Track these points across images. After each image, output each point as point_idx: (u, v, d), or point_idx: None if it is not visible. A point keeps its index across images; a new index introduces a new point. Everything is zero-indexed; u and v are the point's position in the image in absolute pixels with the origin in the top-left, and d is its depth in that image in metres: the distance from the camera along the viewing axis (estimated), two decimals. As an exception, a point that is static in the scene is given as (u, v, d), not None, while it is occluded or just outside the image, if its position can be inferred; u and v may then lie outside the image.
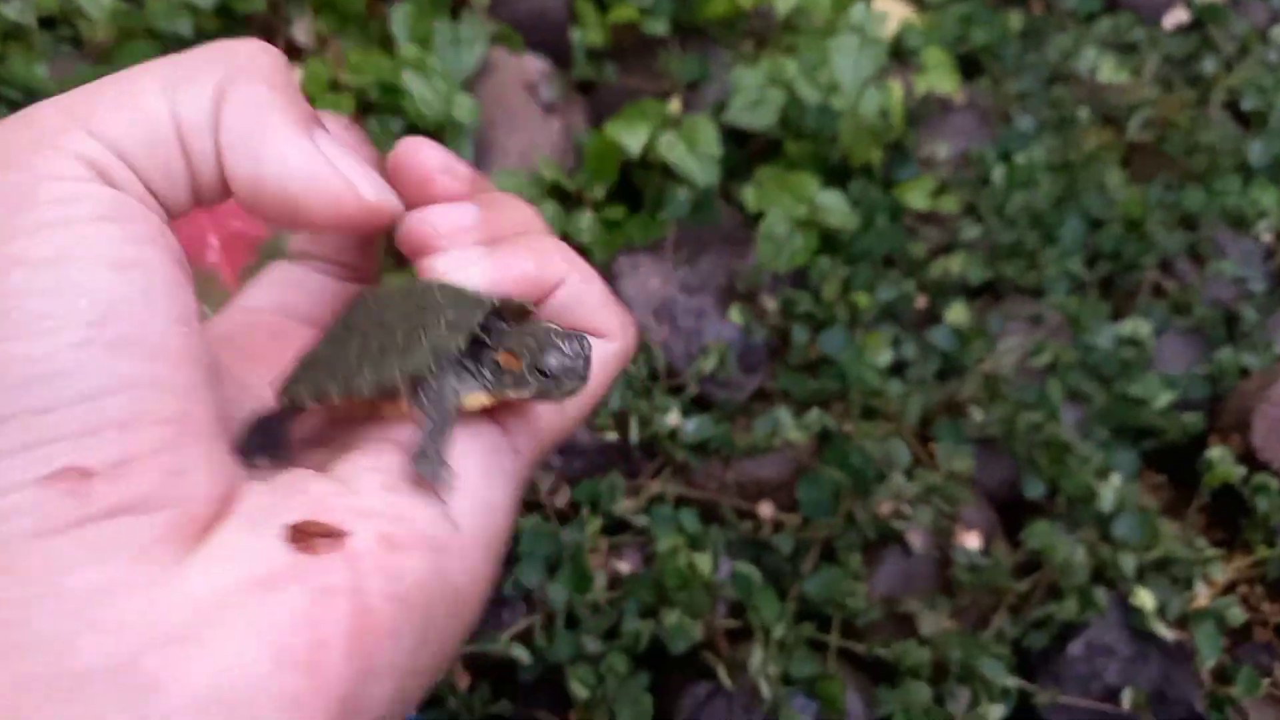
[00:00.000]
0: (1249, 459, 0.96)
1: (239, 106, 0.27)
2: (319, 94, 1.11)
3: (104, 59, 1.16)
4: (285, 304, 0.36)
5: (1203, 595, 0.92)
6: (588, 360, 0.29)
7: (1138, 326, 1.00)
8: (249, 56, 0.28)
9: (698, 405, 0.99)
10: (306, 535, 0.25)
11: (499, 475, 0.29)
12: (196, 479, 0.25)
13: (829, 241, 1.05)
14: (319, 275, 0.36)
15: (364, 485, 0.27)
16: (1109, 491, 0.88)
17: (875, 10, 1.14)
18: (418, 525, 0.26)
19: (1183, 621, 0.88)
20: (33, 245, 0.24)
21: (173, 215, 0.27)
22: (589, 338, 0.30)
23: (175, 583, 0.23)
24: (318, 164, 0.28)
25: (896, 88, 1.06)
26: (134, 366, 0.24)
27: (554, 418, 0.32)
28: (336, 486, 0.27)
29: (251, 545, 0.24)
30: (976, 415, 0.92)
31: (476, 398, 0.30)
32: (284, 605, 0.23)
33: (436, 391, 0.29)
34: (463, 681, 0.79)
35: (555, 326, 0.30)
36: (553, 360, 0.29)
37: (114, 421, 0.23)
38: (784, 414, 0.92)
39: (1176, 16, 1.41)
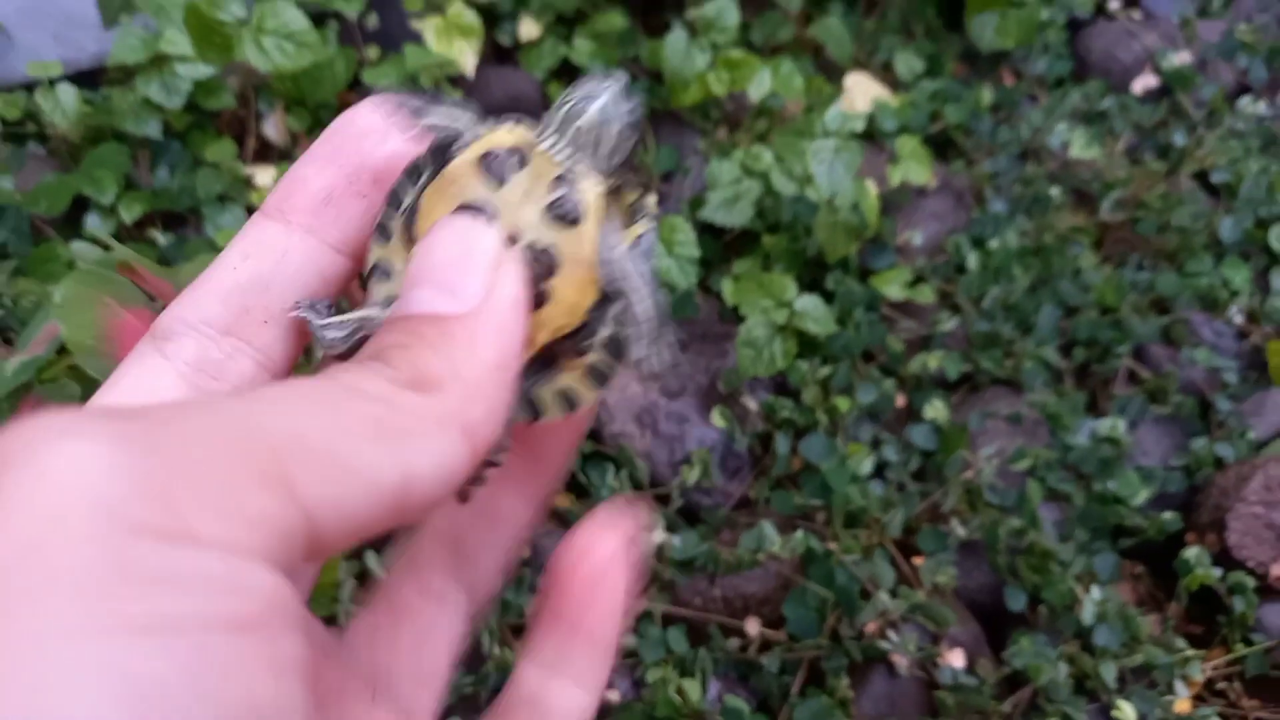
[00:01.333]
0: (1225, 557, 0.97)
1: None
2: (293, 199, 1.10)
3: (72, 161, 1.15)
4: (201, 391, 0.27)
5: (1182, 695, 0.93)
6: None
7: (1115, 425, 1.01)
8: None
9: (682, 515, 0.99)
10: None
11: None
12: None
13: (808, 339, 1.05)
14: (241, 360, 0.27)
15: None
16: (1090, 603, 0.89)
17: (848, 107, 1.14)
18: None
19: (1164, 727, 0.90)
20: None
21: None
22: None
23: None
24: None
25: (871, 188, 1.06)
26: None
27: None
28: None
29: None
30: (959, 530, 0.93)
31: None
32: None
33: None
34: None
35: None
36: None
37: None
38: (768, 528, 0.93)
39: (1145, 81, 1.42)
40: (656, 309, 0.26)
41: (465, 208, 0.25)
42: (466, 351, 0.23)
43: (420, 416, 0.22)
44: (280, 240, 0.27)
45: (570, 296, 0.26)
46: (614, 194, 0.27)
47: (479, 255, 0.25)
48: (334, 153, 0.27)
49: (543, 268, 0.26)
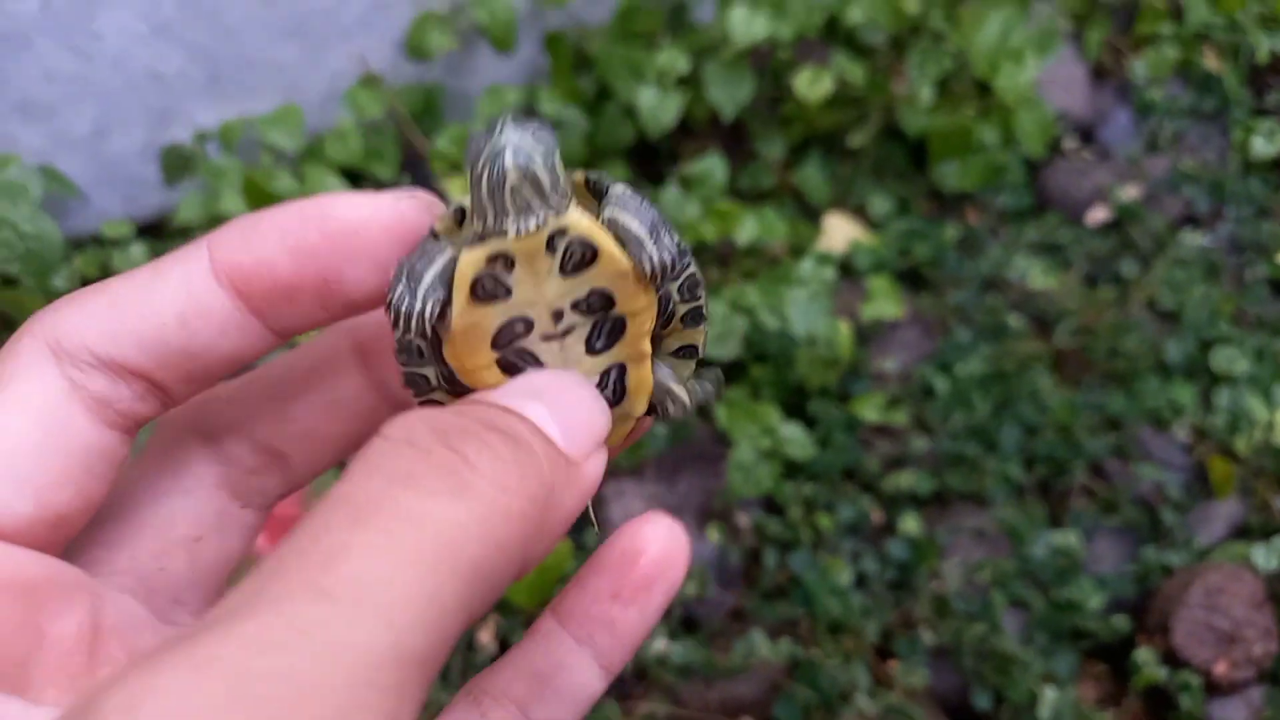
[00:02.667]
0: (1172, 657, 1.08)
1: None
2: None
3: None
4: None
5: (1139, 787, 1.03)
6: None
7: (1068, 537, 1.12)
8: None
9: (682, 624, 1.10)
10: None
11: None
12: None
13: (792, 462, 1.17)
14: (151, 403, 0.27)
15: None
16: (1046, 704, 0.99)
17: (826, 246, 1.29)
18: None
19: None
20: None
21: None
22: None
23: None
24: None
25: (843, 325, 1.20)
26: None
27: None
28: None
29: None
30: (926, 636, 1.04)
31: None
32: None
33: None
34: None
35: None
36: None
37: None
38: (758, 635, 1.04)
39: (1098, 214, 1.57)
40: (651, 218, 0.26)
41: (509, 332, 0.26)
42: (561, 486, 0.23)
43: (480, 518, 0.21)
44: (227, 317, 0.26)
45: (640, 302, 0.27)
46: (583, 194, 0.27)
47: (598, 426, 0.25)
48: (312, 250, 0.25)
49: (601, 303, 0.26)
